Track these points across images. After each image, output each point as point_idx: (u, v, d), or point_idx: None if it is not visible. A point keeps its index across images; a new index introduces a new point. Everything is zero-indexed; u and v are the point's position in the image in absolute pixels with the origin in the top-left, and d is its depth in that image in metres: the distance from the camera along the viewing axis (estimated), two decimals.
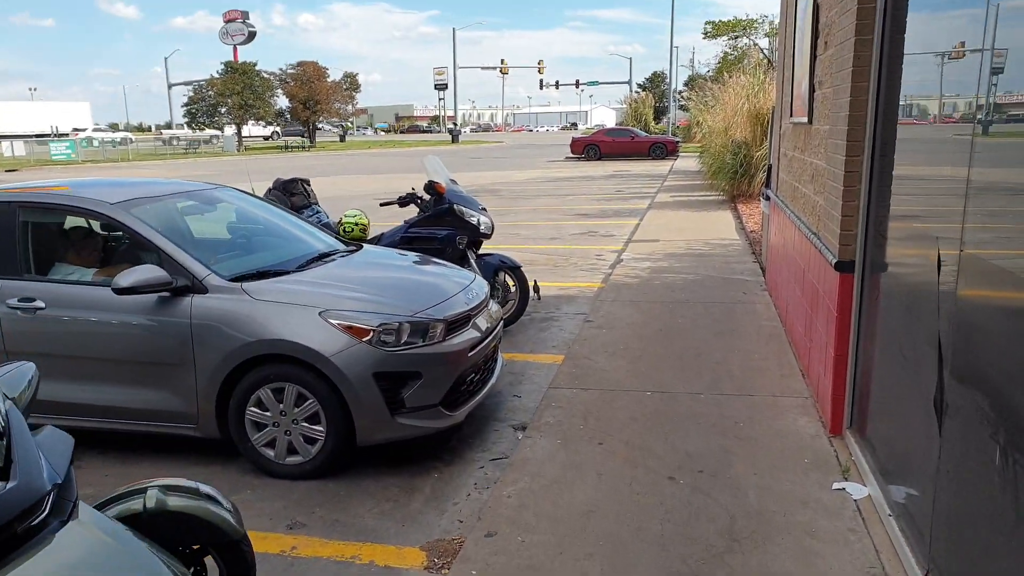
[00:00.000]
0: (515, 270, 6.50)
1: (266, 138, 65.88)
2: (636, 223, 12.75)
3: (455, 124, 63.89)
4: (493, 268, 6.44)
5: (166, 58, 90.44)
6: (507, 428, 4.53)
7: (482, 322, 4.46)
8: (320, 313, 3.90)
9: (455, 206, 6.37)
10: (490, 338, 4.53)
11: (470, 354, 4.21)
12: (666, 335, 5.95)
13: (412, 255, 5.36)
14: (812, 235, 4.65)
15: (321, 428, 3.93)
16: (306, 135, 55.28)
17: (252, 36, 59.78)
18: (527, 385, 5.20)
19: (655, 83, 78.48)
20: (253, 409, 4.01)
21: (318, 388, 3.89)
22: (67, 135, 53.00)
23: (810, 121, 5.11)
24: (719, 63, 24.38)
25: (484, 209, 6.60)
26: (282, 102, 54.69)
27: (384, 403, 3.90)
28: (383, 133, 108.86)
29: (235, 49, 57.81)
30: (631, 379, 5.00)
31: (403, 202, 6.61)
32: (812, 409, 4.41)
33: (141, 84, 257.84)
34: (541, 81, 73.45)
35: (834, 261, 3.85)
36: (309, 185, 7.10)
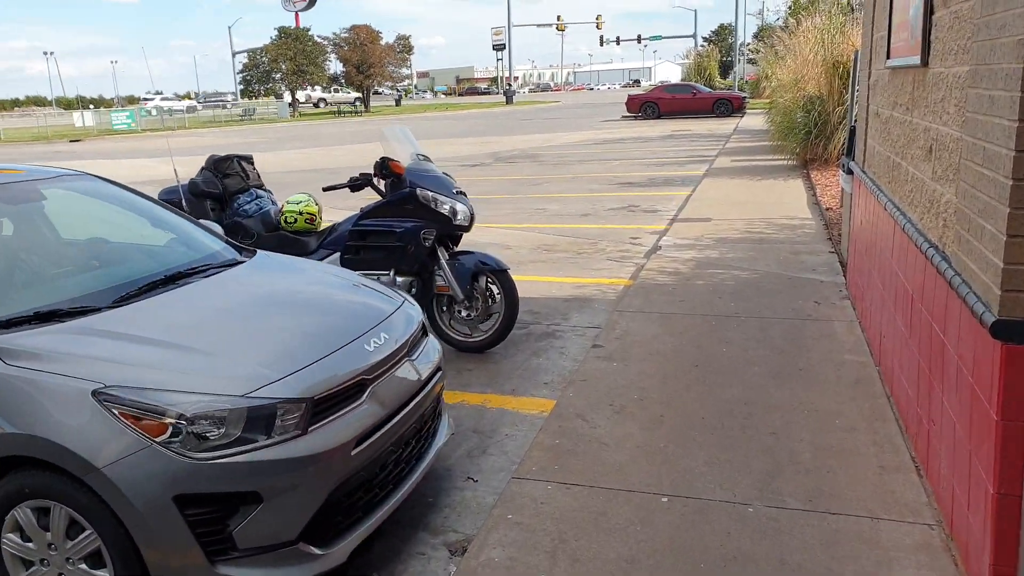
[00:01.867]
0: (499, 274, 4.80)
1: (315, 104, 64.93)
2: (687, 195, 10.80)
3: (509, 85, 61.54)
4: (470, 272, 4.76)
5: (229, 27, 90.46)
6: (438, 549, 2.89)
7: (392, 387, 2.81)
8: (95, 392, 2.32)
9: (418, 190, 4.69)
10: (410, 407, 2.89)
11: (357, 449, 2.58)
12: (703, 376, 4.17)
13: (325, 269, 3.73)
14: (932, 250, 2.81)
15: (106, 574, 2.39)
16: (360, 100, 53.99)
17: (313, 2, 58.49)
18: (491, 456, 3.54)
19: (722, 36, 74.25)
20: (10, 537, 2.48)
21: (96, 513, 2.33)
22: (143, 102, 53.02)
23: (925, 62, 3.22)
24: (790, 7, 21.71)
25: (461, 193, 4.89)
26: (336, 67, 53.46)
27: (197, 543, 2.32)
28: (442, 96, 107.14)
29: (297, 15, 56.67)
30: (641, 465, 3.26)
31: (356, 186, 4.95)
32: (942, 551, 2.61)
33: (212, 54, 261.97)
34: (601, 37, 70.22)
35: (991, 319, 2.04)
36: (251, 163, 5.51)
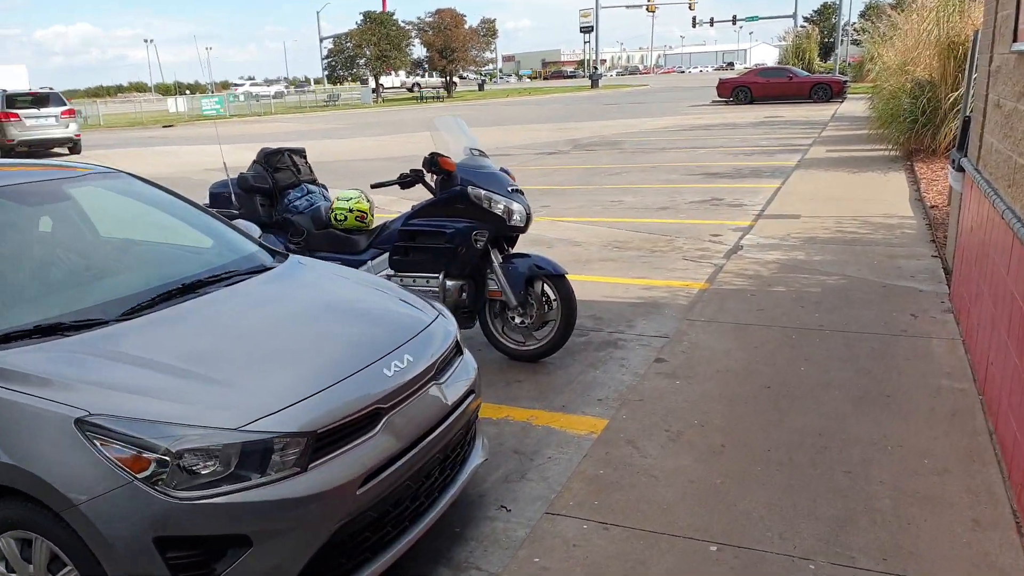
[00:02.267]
0: (556, 279, 4.49)
1: (409, 89, 65.68)
2: (776, 188, 10.18)
3: (595, 68, 60.60)
4: (524, 276, 4.47)
5: (318, 12, 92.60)
6: None
7: (413, 415, 2.56)
8: (78, 421, 2.15)
9: (470, 189, 4.43)
10: (433, 436, 2.63)
11: (364, 488, 2.33)
12: (774, 400, 3.76)
13: (357, 278, 3.49)
14: None
15: None
16: (443, 85, 54.28)
17: None
18: (529, 482, 3.26)
19: (825, 16, 71.05)
20: None
21: (76, 550, 2.17)
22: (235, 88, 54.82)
23: None
24: None
25: (517, 191, 4.59)
26: (420, 51, 53.90)
27: None
28: (527, 80, 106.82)
29: (384, 0, 57.43)
30: (691, 505, 2.91)
31: (406, 183, 4.72)
32: None
33: (301, 40, 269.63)
34: (694, 19, 68.29)
35: None
36: (303, 157, 5.37)
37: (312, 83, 59.66)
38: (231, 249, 3.40)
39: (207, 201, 5.22)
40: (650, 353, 4.58)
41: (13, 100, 18.84)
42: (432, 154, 4.47)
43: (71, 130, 19.39)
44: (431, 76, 59.22)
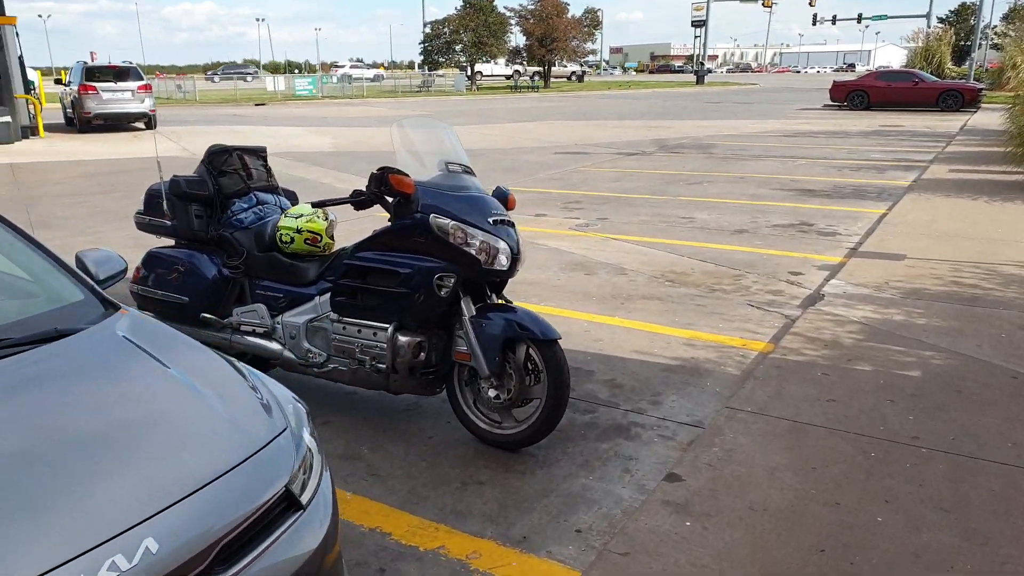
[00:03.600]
0: (544, 345, 3.33)
1: (507, 77, 64.93)
2: (880, 215, 8.62)
3: (701, 63, 58.06)
4: (501, 338, 3.33)
5: None
6: None
7: None
8: None
9: (433, 218, 3.32)
10: None
11: None
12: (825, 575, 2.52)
13: (194, 362, 2.34)
14: None
15: None
16: (539, 75, 53.19)
17: None
18: None
19: (962, 17, 66.14)
20: None
21: None
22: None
23: None
24: None
25: (505, 223, 3.45)
26: (519, 40, 52.96)
27: None
28: (632, 73, 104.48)
29: None
30: None
31: (360, 202, 3.62)
32: None
33: (408, 23, 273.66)
34: (814, 16, 64.51)
35: None
36: (259, 158, 4.38)
37: (416, 67, 59.33)
38: (31, 300, 2.41)
39: (141, 205, 4.34)
40: (670, 454, 3.38)
41: (93, 73, 18.93)
42: (382, 169, 3.39)
43: (146, 105, 19.35)
44: (530, 65, 58.25)
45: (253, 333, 3.83)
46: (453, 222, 3.28)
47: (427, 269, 3.32)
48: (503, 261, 3.35)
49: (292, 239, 3.83)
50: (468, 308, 3.39)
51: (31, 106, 17.83)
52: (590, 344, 4.81)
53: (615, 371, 4.36)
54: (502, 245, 3.35)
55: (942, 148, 15.04)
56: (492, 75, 65.23)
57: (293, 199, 4.47)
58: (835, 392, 3.84)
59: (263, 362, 3.98)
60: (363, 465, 3.30)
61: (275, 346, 3.77)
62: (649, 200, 9.94)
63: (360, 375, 3.53)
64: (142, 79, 19.37)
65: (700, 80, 53.93)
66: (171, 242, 4.28)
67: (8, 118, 16.26)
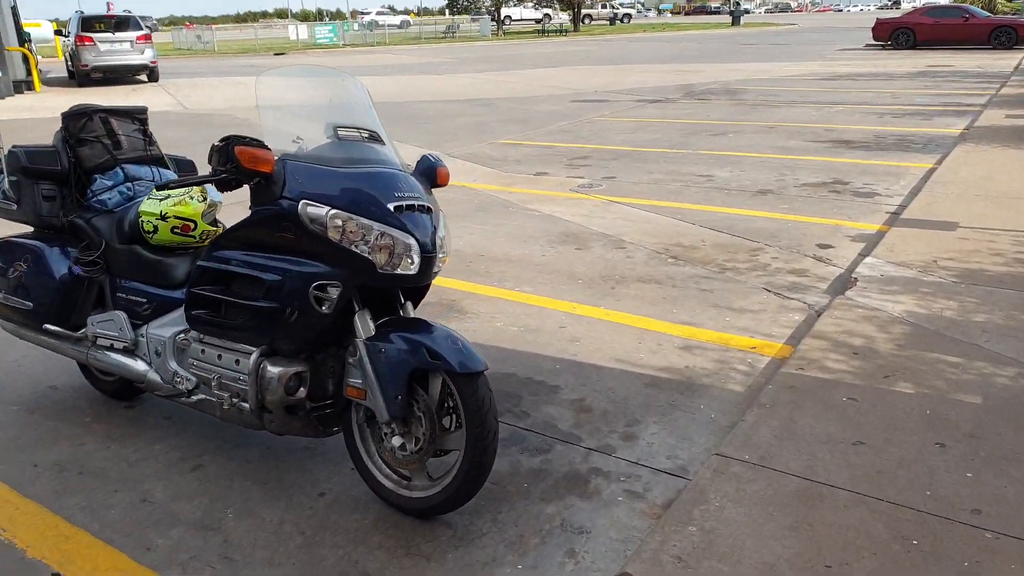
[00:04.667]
0: (463, 379, 2.41)
1: (537, 21, 62.67)
2: (927, 169, 7.45)
3: (737, 3, 55.12)
4: (406, 370, 2.41)
5: None
6: None
7: None
8: None
9: (303, 206, 2.37)
10: None
11: None
12: None
13: None
14: None
15: None
16: (616, 16, 51.06)
17: None
18: None
19: None
20: None
21: None
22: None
23: None
24: None
25: (420, 209, 2.48)
26: None
27: None
28: (668, 15, 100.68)
29: None
30: None
31: (225, 182, 2.64)
32: None
33: None
34: None
35: None
36: (136, 121, 3.42)
37: (446, 14, 57.32)
38: None
39: None
40: (634, 524, 2.47)
41: (90, 23, 17.99)
42: (227, 139, 2.42)
43: (147, 56, 18.43)
44: (560, 8, 55.95)
45: (113, 348, 2.96)
46: (333, 211, 2.33)
47: (300, 276, 2.39)
48: (410, 263, 2.41)
49: (156, 227, 2.93)
50: (364, 327, 2.47)
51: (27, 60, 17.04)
52: (564, 346, 3.88)
53: (587, 386, 3.44)
54: (410, 241, 2.40)
55: (996, 90, 13.54)
56: (521, 19, 63.11)
57: (190, 170, 3.54)
58: (865, 429, 2.87)
59: (132, 386, 3.13)
60: (219, 541, 2.44)
61: (139, 366, 2.90)
62: (665, 155, 8.85)
63: (231, 412, 2.66)
64: (141, 29, 18.40)
65: (736, 21, 51.29)
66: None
67: None
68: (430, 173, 2.73)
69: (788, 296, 4.45)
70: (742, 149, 9.01)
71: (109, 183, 3.20)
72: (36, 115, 13.79)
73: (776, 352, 3.73)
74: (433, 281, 2.58)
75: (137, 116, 3.43)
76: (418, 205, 2.46)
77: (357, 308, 2.47)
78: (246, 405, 2.53)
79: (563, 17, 53.26)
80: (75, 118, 3.23)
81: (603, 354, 3.77)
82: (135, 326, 2.91)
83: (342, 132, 2.58)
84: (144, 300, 2.93)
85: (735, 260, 5.11)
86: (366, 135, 2.64)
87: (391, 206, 2.39)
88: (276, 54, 35.14)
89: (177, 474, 2.77)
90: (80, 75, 18.34)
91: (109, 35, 17.92)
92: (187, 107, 14.55)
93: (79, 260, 3.04)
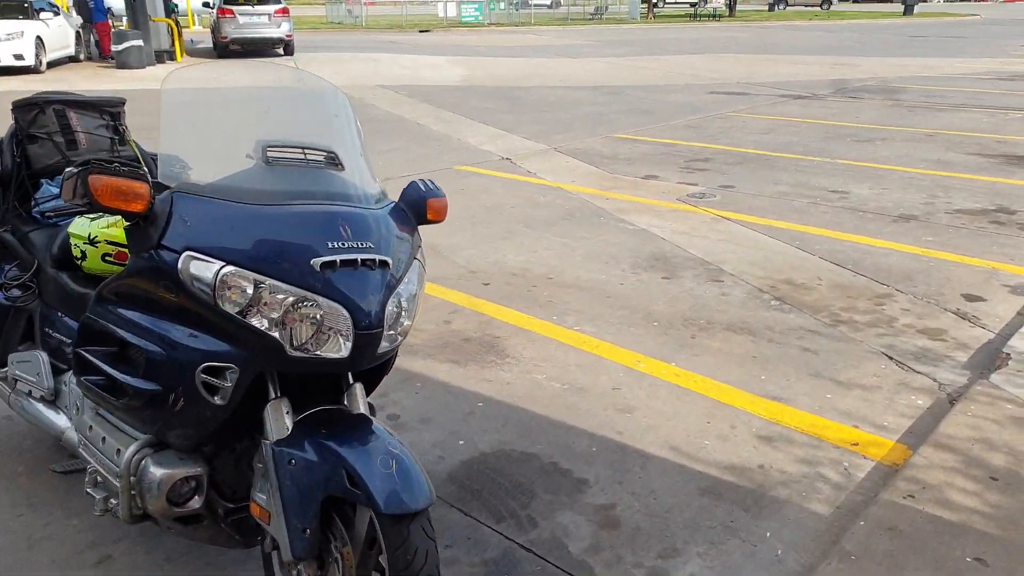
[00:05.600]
0: (388, 521, 1.72)
1: (692, 4, 60.13)
2: None
3: None
4: (317, 497, 1.74)
5: None
6: None
7: None
8: None
9: (184, 261, 1.69)
10: None
11: None
12: None
13: None
14: None
15: None
16: (727, 2, 48.49)
17: None
18: None
19: None
20: None
21: None
22: None
23: None
24: None
25: (364, 266, 1.79)
26: None
27: None
28: (836, 0, 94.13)
29: None
30: None
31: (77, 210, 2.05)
32: None
33: None
34: None
35: None
36: (103, 115, 2.91)
37: None
38: None
39: None
40: None
41: None
42: (83, 166, 1.80)
43: (283, 30, 18.68)
44: None
45: (32, 395, 2.49)
46: (226, 268, 1.69)
47: (185, 353, 1.78)
48: (339, 343, 1.75)
49: (84, 252, 2.40)
50: (276, 424, 1.81)
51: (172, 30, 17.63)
52: (610, 418, 3.13)
53: (624, 485, 2.69)
54: (340, 312, 1.74)
55: None
56: (676, 2, 60.74)
57: None
58: None
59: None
60: None
61: (60, 421, 2.39)
62: (797, 163, 7.73)
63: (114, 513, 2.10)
64: (280, 2, 18.68)
65: (908, 10, 46.82)
66: None
67: (140, 42, 16.03)
68: (418, 206, 2.07)
69: (914, 368, 3.47)
70: (889, 161, 7.73)
71: (56, 190, 2.72)
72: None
73: (884, 455, 2.82)
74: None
75: (107, 109, 2.92)
76: (364, 260, 1.78)
77: (272, 395, 1.84)
78: (120, 509, 1.97)
79: (719, 0, 50.64)
80: (25, 110, 2.74)
81: (657, 436, 3.00)
82: (58, 371, 2.42)
83: (273, 154, 1.94)
84: (69, 341, 2.42)
85: (854, 309, 4.13)
86: (317, 157, 2.00)
87: (318, 261, 1.72)
88: (420, 31, 35.33)
89: (76, 567, 2.27)
90: (219, 47, 18.89)
91: (248, 8, 18.31)
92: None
93: (5, 283, 2.57)
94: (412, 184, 2.11)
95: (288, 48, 19.33)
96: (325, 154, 2.00)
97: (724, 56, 20.87)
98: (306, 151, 1.99)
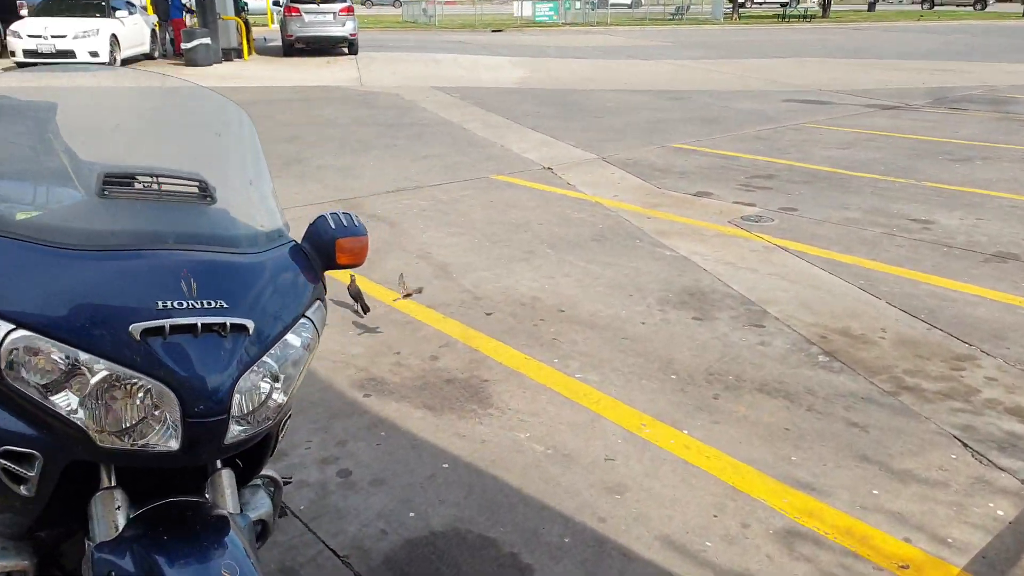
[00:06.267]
0: None
1: (783, 4, 58.52)
2: None
3: None
4: None
5: None
6: None
7: None
8: None
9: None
10: None
11: None
12: None
13: None
14: None
15: None
16: (820, 2, 46.89)
17: None
18: None
19: None
20: None
21: None
22: None
23: None
24: None
25: (229, 330, 1.38)
26: None
27: None
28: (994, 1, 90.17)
29: None
30: None
31: None
32: None
33: None
34: None
35: None
36: (29, 120, 2.59)
37: None
38: None
39: None
40: None
41: None
42: None
43: (347, 28, 18.74)
44: None
45: None
46: (17, 332, 1.31)
47: None
48: (164, 432, 1.36)
49: None
50: (102, 522, 1.44)
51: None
52: (595, 499, 2.61)
53: None
54: (163, 391, 1.34)
55: None
56: (765, 2, 59.19)
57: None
58: None
59: None
60: None
61: None
62: (876, 184, 7.01)
63: None
64: (345, 1, 18.76)
65: None
66: None
67: (208, 40, 16.29)
68: (325, 248, 1.70)
69: (996, 463, 2.83)
70: (989, 185, 6.93)
71: None
72: (226, 83, 14.27)
73: None
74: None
75: (36, 114, 2.58)
76: (208, 324, 1.38)
77: (106, 483, 1.46)
78: None
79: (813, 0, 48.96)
80: None
81: (647, 529, 2.47)
82: None
83: (109, 184, 1.54)
84: None
85: (923, 373, 3.49)
86: (178, 188, 1.59)
87: (138, 328, 1.33)
88: (492, 31, 35.22)
89: None
90: (286, 45, 19.14)
91: (315, 6, 18.47)
92: (364, 83, 14.40)
93: None
94: (320, 219, 1.73)
95: (352, 47, 19.53)
96: (191, 183, 1.62)
97: (808, 60, 19.90)
98: (159, 180, 1.60)
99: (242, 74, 15.70)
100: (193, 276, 1.43)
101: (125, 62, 16.35)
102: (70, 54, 14.61)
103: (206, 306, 1.39)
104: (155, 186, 1.58)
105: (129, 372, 1.32)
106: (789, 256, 5.05)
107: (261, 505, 1.79)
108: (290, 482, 2.24)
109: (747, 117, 10.87)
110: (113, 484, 1.46)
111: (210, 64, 16.46)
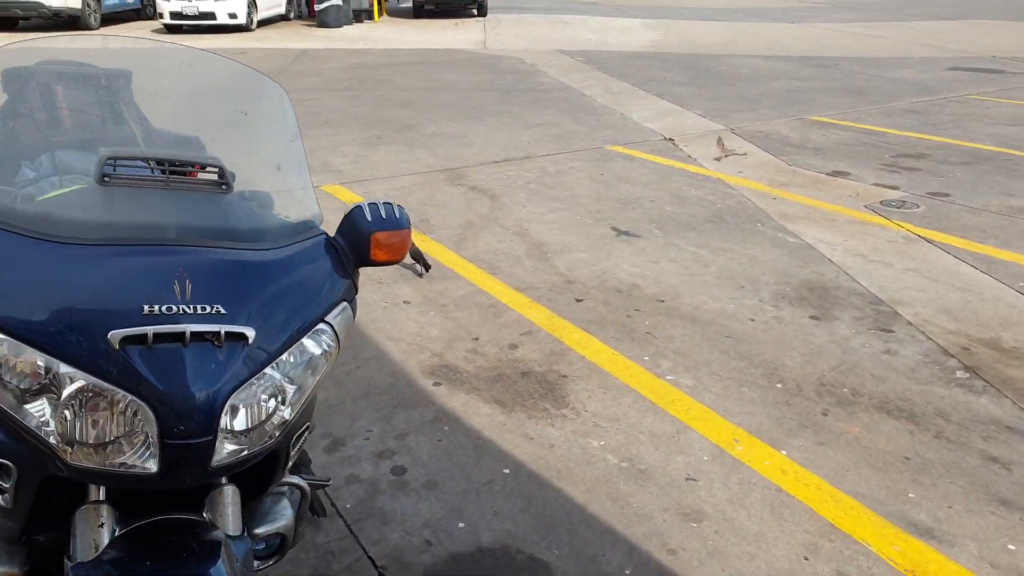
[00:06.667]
0: None
1: None
2: None
3: None
4: None
5: None
6: None
7: None
8: None
9: None
10: None
11: None
12: None
13: None
14: None
15: None
16: None
17: None
18: None
19: None
20: None
21: None
22: None
23: None
24: None
25: (224, 339, 1.24)
26: None
27: None
28: None
29: None
30: None
31: None
32: None
33: None
34: None
35: None
36: (99, 90, 2.49)
37: None
38: None
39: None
40: None
41: None
42: None
43: None
44: None
45: None
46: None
47: None
48: (142, 453, 1.28)
49: None
50: (83, 539, 1.38)
51: None
52: (666, 526, 2.35)
53: None
54: (140, 407, 1.24)
55: None
56: None
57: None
58: None
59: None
60: None
61: None
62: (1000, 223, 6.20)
63: None
64: None
65: None
66: None
67: (339, 1, 16.60)
68: (358, 242, 1.56)
69: None
70: None
71: (31, 174, 2.38)
72: (349, 45, 14.48)
73: None
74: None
75: (108, 82, 2.53)
76: (201, 333, 1.26)
77: (93, 496, 1.38)
78: None
79: None
80: (13, 80, 2.43)
81: (725, 566, 2.19)
82: None
83: (110, 171, 1.42)
84: None
85: None
86: (159, 173, 1.45)
87: (117, 335, 1.22)
88: None
89: None
90: (416, 6, 19.29)
91: None
92: (487, 47, 14.24)
93: None
94: (356, 209, 1.58)
95: (481, 9, 19.48)
96: (209, 169, 1.49)
97: (987, 23, 18.11)
98: (167, 165, 1.47)
99: (370, 36, 15.90)
100: (189, 276, 1.31)
101: (262, 23, 16.91)
102: (210, 16, 15.25)
103: (199, 311, 1.27)
104: (162, 172, 1.45)
105: (103, 385, 1.20)
106: (933, 249, 4.51)
107: (281, 517, 1.66)
108: (328, 484, 2.11)
109: (901, 87, 9.96)
110: (101, 498, 1.37)
111: (340, 26, 16.78)
